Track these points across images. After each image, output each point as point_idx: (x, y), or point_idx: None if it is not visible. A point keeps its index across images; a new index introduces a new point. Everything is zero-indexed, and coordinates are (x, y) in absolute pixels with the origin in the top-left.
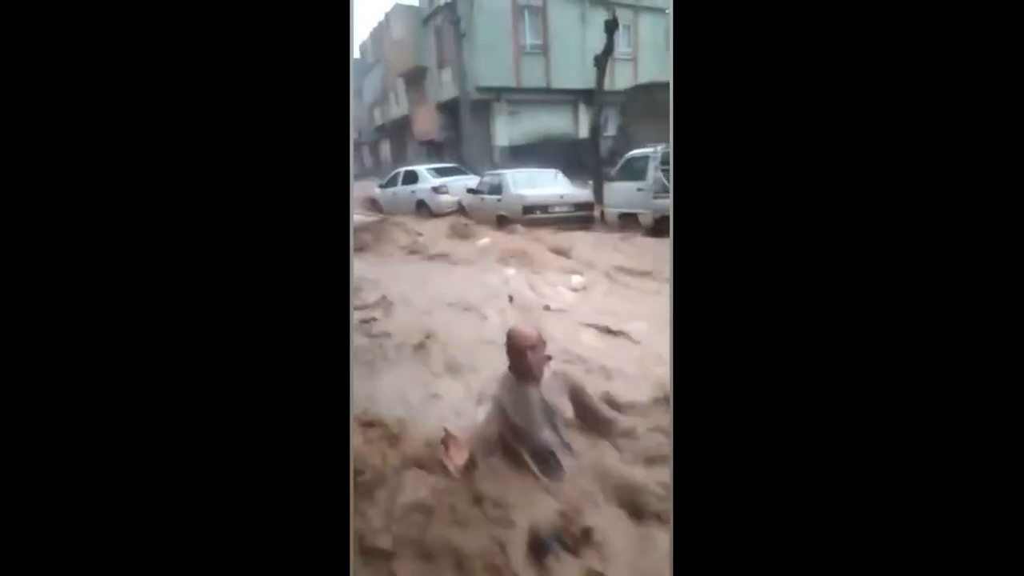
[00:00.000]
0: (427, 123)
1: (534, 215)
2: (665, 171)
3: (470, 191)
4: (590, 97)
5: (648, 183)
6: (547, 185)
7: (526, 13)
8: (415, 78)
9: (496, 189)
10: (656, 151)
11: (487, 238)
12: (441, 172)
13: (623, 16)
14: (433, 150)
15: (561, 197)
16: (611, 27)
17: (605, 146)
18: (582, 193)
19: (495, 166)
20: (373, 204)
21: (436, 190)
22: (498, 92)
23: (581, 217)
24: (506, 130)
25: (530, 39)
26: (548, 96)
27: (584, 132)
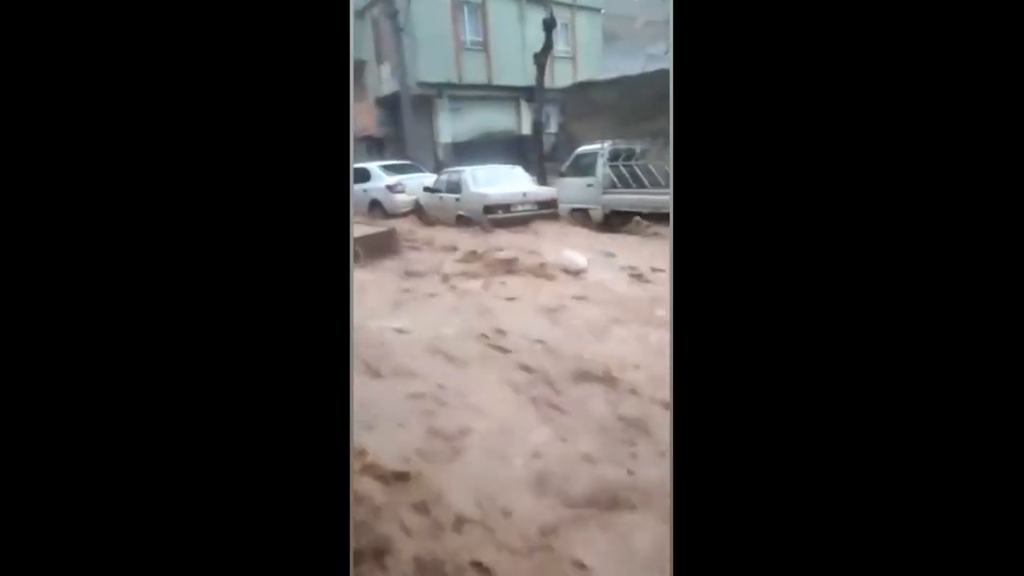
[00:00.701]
0: (366, 118)
1: (496, 215)
2: (614, 167)
3: (427, 189)
4: (531, 94)
5: (597, 179)
6: (508, 182)
7: (465, 9)
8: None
9: (455, 187)
10: (604, 147)
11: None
12: (394, 169)
13: (560, 14)
14: (373, 146)
15: (524, 195)
16: (549, 25)
17: (548, 142)
18: (546, 191)
19: (439, 162)
20: None
21: (391, 189)
22: (439, 88)
23: (545, 216)
24: (449, 126)
25: (470, 35)
26: (490, 92)
27: (526, 129)
